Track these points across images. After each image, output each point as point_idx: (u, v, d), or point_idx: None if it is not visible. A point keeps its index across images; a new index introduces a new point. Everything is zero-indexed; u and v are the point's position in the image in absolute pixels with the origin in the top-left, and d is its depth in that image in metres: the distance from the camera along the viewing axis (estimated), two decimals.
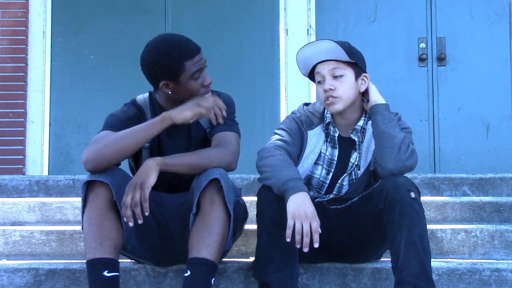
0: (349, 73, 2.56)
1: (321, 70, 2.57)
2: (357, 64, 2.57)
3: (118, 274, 2.31)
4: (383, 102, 2.58)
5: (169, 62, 2.42)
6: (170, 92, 2.48)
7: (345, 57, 2.52)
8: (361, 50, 2.64)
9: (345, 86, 2.54)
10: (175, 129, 2.59)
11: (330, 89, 2.53)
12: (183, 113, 2.38)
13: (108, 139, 2.36)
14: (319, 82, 2.58)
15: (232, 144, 2.48)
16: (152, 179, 2.28)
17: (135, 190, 2.25)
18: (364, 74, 2.60)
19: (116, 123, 2.50)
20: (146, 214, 2.25)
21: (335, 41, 2.54)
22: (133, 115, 2.56)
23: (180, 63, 2.42)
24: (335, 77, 2.55)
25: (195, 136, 2.60)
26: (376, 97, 2.59)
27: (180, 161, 2.36)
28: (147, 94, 2.65)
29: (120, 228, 2.33)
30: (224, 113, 2.44)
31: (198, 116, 2.41)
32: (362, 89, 2.61)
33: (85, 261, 2.31)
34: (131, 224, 2.26)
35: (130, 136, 2.36)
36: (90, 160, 2.33)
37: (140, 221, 2.25)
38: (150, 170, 2.29)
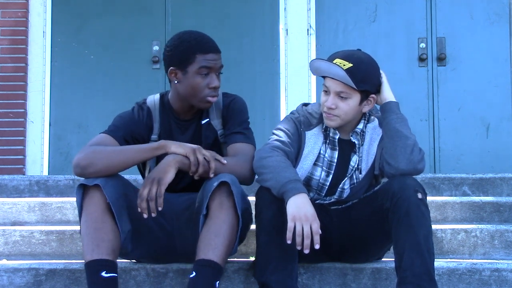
0: (355, 97, 2.49)
1: (329, 85, 2.51)
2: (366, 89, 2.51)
3: (116, 275, 2.33)
4: (394, 100, 2.57)
5: (182, 50, 2.48)
6: (176, 82, 2.51)
7: (354, 86, 2.45)
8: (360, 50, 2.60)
9: (347, 108, 2.50)
10: (187, 127, 2.60)
11: (331, 107, 2.50)
12: (177, 147, 2.38)
13: (102, 153, 2.38)
14: (324, 90, 2.54)
15: (251, 158, 2.49)
16: (170, 176, 2.32)
17: (152, 184, 2.30)
18: (372, 95, 2.54)
19: (120, 126, 2.54)
20: (160, 209, 2.30)
21: (352, 63, 2.44)
22: (137, 118, 2.58)
23: (192, 53, 2.47)
24: (341, 96, 2.50)
25: (206, 136, 2.61)
26: (388, 94, 2.57)
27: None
28: (157, 95, 2.67)
29: (117, 230, 2.36)
30: (224, 161, 2.41)
31: (185, 161, 2.36)
32: (365, 110, 2.56)
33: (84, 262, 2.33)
34: (145, 215, 2.30)
35: (124, 155, 2.39)
36: (81, 167, 2.36)
37: (153, 215, 2.30)
38: (169, 167, 2.33)
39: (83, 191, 2.36)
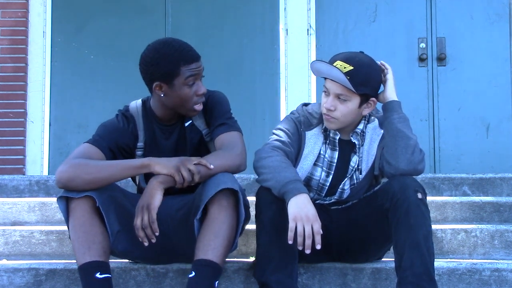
0: (354, 100, 2.48)
1: (329, 87, 2.51)
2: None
3: (110, 276, 2.34)
4: (397, 99, 2.56)
5: (166, 64, 2.43)
6: (162, 95, 2.49)
7: (352, 89, 2.45)
8: (361, 50, 2.58)
9: (346, 111, 2.49)
10: (171, 131, 2.60)
11: (330, 109, 2.50)
12: (162, 168, 2.34)
13: (85, 168, 2.35)
14: (324, 91, 2.54)
15: (237, 144, 2.48)
16: (157, 200, 2.30)
17: (143, 212, 2.29)
18: (372, 99, 2.54)
19: (104, 136, 2.53)
20: (156, 234, 2.30)
21: (353, 66, 2.43)
22: (121, 127, 2.58)
23: (177, 66, 2.44)
24: (340, 98, 2.49)
25: (191, 138, 2.60)
26: (391, 93, 2.56)
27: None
28: (140, 102, 2.65)
29: (105, 232, 2.37)
30: (211, 166, 2.35)
31: (170, 179, 2.33)
32: (365, 112, 2.56)
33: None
34: (146, 243, 2.31)
35: (106, 172, 2.36)
36: (63, 182, 2.35)
37: (153, 240, 2.31)
38: (155, 191, 2.31)
39: (66, 197, 2.37)
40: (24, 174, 5.02)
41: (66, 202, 2.38)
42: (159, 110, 2.58)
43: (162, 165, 2.35)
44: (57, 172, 2.37)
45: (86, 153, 2.46)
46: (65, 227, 3.21)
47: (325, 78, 2.54)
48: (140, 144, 2.60)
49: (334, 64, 2.46)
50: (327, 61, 2.52)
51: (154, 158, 2.40)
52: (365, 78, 2.46)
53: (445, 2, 5.28)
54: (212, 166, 2.36)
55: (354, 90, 2.45)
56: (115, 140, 2.54)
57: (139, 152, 2.59)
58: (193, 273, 2.30)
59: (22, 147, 5.10)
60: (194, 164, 2.34)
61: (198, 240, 2.35)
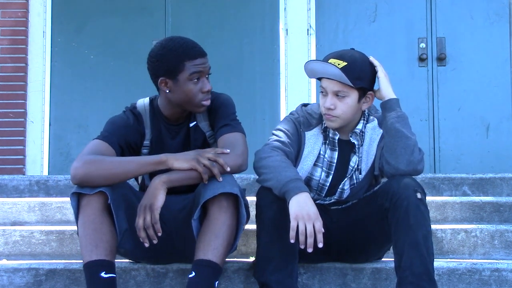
0: (353, 95, 2.49)
1: (325, 86, 2.51)
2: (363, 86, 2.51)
3: (115, 275, 2.33)
4: (394, 96, 2.55)
5: (170, 59, 2.45)
6: (168, 91, 2.49)
7: (350, 84, 2.45)
8: (361, 50, 2.58)
9: (346, 107, 2.50)
10: (177, 131, 2.60)
11: (330, 108, 2.50)
12: (180, 163, 2.35)
13: (101, 164, 2.34)
14: (321, 92, 2.55)
15: (239, 145, 2.47)
16: (160, 200, 2.31)
17: (145, 212, 2.29)
18: (369, 92, 2.54)
19: (113, 132, 2.52)
20: (159, 234, 2.29)
21: (346, 62, 2.45)
22: (130, 123, 2.57)
23: (180, 61, 2.45)
24: (338, 95, 2.49)
25: (195, 139, 2.61)
26: (388, 91, 2.55)
27: (187, 175, 2.35)
28: (147, 100, 2.65)
29: (114, 231, 2.36)
30: (227, 169, 2.36)
31: (174, 179, 2.34)
32: (364, 107, 2.56)
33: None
34: (146, 244, 2.30)
35: (123, 169, 2.35)
36: (78, 178, 2.33)
37: (154, 241, 2.30)
38: (157, 191, 2.31)
39: (78, 193, 2.36)
40: (24, 174, 5.02)
41: (77, 199, 2.37)
42: (166, 108, 2.58)
43: (182, 160, 2.35)
44: (72, 169, 2.35)
45: (98, 149, 2.45)
46: (65, 227, 3.23)
47: (321, 79, 2.54)
48: (146, 142, 2.60)
49: (328, 62, 2.47)
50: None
51: (170, 154, 2.40)
52: (360, 72, 2.47)
53: (445, 2, 5.28)
54: (229, 169, 2.36)
55: (351, 85, 2.45)
56: (124, 136, 2.53)
57: (144, 150, 2.59)
58: (193, 273, 2.30)
59: (22, 147, 5.10)
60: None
61: (198, 240, 2.35)
